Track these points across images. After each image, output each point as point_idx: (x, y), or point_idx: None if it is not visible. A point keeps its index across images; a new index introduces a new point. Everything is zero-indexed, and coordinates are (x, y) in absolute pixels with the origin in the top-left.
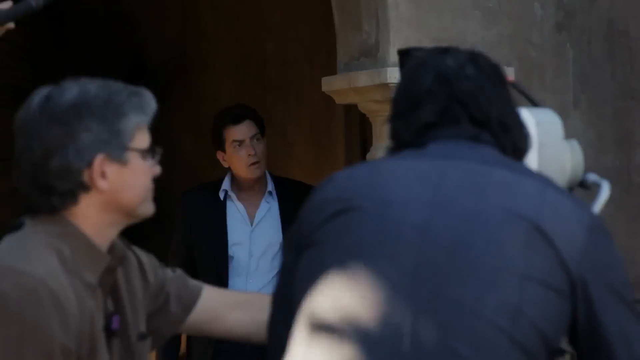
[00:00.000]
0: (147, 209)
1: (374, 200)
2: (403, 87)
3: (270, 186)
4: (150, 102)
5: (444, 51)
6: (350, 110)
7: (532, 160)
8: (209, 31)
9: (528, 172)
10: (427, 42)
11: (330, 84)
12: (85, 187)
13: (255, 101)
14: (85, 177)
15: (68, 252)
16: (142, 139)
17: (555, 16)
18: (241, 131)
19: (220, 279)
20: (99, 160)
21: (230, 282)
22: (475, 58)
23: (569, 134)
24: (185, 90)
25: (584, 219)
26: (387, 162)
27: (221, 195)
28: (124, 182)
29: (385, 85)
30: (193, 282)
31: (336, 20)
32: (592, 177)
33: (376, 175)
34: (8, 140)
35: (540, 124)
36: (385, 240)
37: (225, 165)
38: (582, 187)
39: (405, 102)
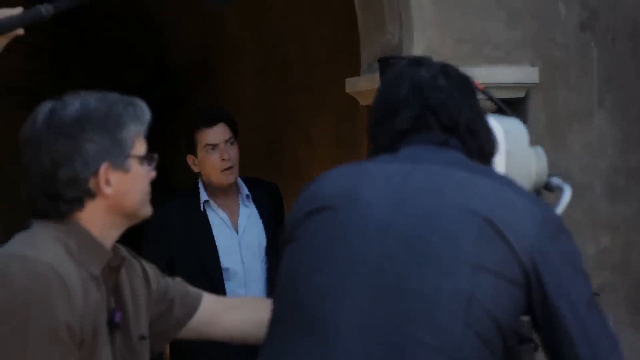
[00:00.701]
0: (146, 211)
1: (346, 199)
2: (381, 95)
3: (245, 189)
4: (145, 111)
5: (419, 63)
6: None
7: (500, 166)
8: (232, 33)
9: (487, 173)
10: (450, 42)
11: (354, 85)
12: (91, 194)
13: (278, 102)
14: (92, 184)
15: (74, 245)
16: (140, 146)
17: (579, 16)
18: (215, 134)
19: (217, 291)
20: (103, 168)
21: (230, 293)
22: (446, 70)
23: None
24: (209, 92)
25: (537, 215)
26: (363, 165)
27: (202, 206)
28: (126, 187)
29: None
30: (193, 289)
31: (359, 21)
32: (556, 181)
33: (350, 177)
34: None
35: (508, 133)
36: (353, 236)
37: (196, 170)
38: (548, 190)
39: (383, 109)
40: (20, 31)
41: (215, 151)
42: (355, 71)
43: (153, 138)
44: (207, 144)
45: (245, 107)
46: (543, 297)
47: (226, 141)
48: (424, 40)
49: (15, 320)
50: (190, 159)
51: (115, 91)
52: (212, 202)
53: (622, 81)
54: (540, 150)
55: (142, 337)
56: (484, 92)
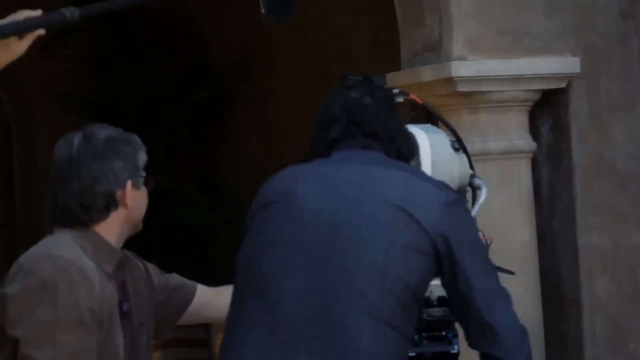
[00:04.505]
0: (140, 225)
1: (287, 195)
2: (319, 114)
3: None
4: (141, 143)
5: (351, 87)
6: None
7: (427, 172)
8: (273, 32)
9: (401, 167)
10: (490, 35)
11: (395, 80)
12: (116, 205)
13: (320, 101)
14: (119, 196)
15: (90, 247)
16: (144, 171)
17: (619, 4)
18: None
19: None
20: (128, 184)
21: None
22: (372, 91)
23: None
24: (251, 92)
25: (442, 197)
26: (302, 166)
27: None
28: (137, 202)
29: (449, 80)
30: (189, 281)
31: (398, 15)
32: (477, 181)
33: (291, 177)
34: None
35: (433, 146)
36: (291, 223)
37: None
38: (472, 188)
39: (320, 125)
40: (40, 31)
41: None
42: (397, 67)
43: (198, 137)
44: None
45: (287, 106)
46: (449, 262)
47: None
48: (464, 33)
49: (47, 307)
50: None
51: (159, 92)
52: None
53: None
54: (463, 157)
55: (142, 324)
56: (424, 105)
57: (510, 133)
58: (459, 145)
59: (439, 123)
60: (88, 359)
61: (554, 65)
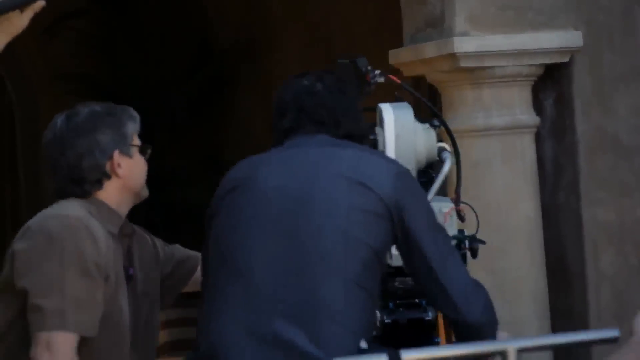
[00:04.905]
0: (146, 191)
1: (249, 179)
2: (275, 103)
3: None
4: (135, 114)
5: (304, 74)
6: (420, 82)
7: (390, 148)
8: (275, 12)
9: (350, 145)
10: (492, 11)
11: (398, 57)
12: (108, 175)
13: None
14: (108, 167)
15: (94, 210)
16: (137, 140)
17: None
18: None
19: None
20: (116, 154)
21: None
22: (322, 77)
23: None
24: (254, 72)
25: (393, 168)
26: (260, 155)
27: None
28: (131, 170)
29: (452, 55)
30: (192, 252)
31: None
32: (445, 154)
33: (251, 164)
34: None
35: (397, 120)
36: (254, 200)
37: None
38: (441, 161)
39: (276, 114)
40: (41, 2)
41: None
42: (399, 44)
43: (201, 118)
44: None
45: None
46: (401, 225)
47: None
48: (466, 9)
49: (54, 259)
50: None
51: (161, 73)
52: None
53: None
54: (431, 131)
55: (145, 294)
56: (402, 85)
57: (514, 108)
58: (439, 122)
59: (441, 103)
60: (95, 307)
61: (557, 39)
